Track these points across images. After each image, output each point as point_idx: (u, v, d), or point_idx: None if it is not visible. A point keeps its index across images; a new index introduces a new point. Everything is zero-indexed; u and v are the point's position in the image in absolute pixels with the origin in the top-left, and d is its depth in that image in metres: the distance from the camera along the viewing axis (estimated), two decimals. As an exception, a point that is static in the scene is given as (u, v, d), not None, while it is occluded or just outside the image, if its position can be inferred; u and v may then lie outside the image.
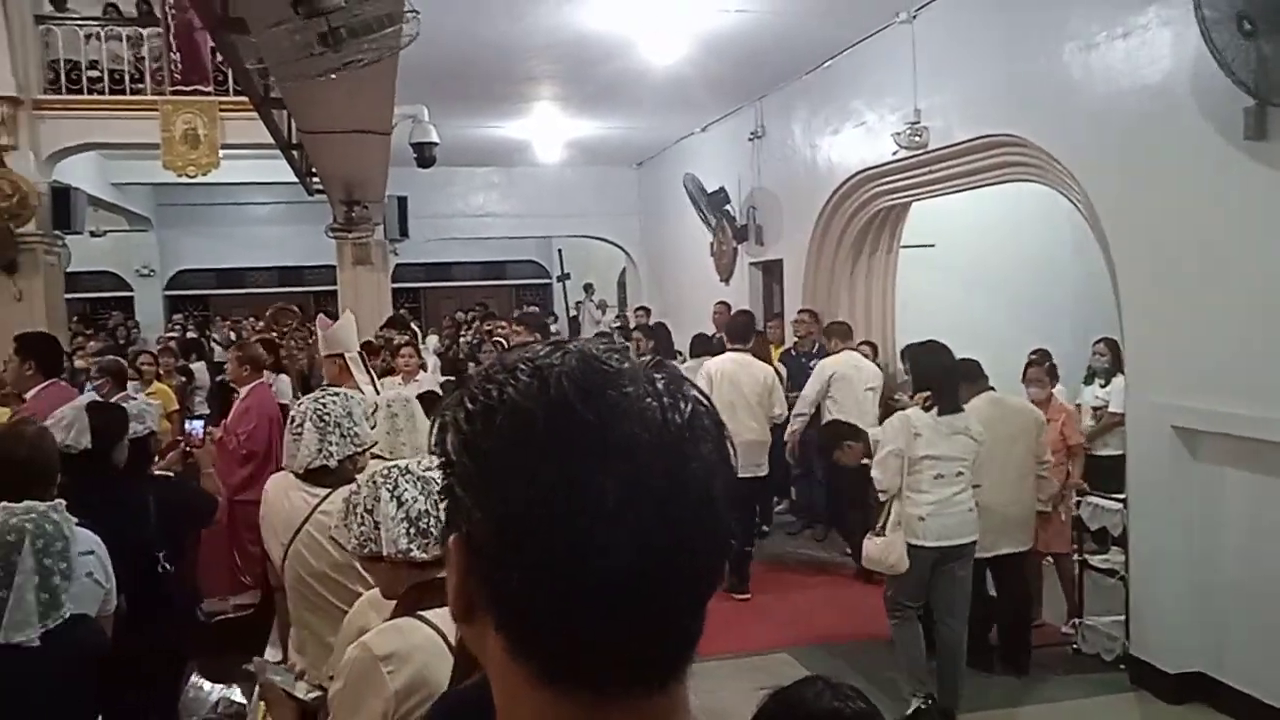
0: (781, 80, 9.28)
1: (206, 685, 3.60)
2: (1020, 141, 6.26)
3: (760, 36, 7.69)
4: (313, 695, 2.33)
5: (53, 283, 10.68)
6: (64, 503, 2.42)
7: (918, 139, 7.17)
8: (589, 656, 0.66)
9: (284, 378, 6.35)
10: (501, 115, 10.52)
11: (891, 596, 5.07)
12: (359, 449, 3.18)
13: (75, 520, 2.54)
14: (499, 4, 6.83)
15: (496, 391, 0.68)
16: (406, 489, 2.09)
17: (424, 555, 2.01)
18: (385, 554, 2.03)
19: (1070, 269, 8.87)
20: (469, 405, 0.69)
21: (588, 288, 18.53)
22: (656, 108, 10.30)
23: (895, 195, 8.21)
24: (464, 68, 8.15)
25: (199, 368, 10.61)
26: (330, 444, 3.08)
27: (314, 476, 3.08)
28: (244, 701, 2.83)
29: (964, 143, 6.83)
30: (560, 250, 18.19)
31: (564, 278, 18.18)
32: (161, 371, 8.40)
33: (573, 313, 18.07)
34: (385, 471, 2.16)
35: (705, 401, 0.70)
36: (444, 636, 1.84)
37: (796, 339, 8.80)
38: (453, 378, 7.27)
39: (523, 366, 0.69)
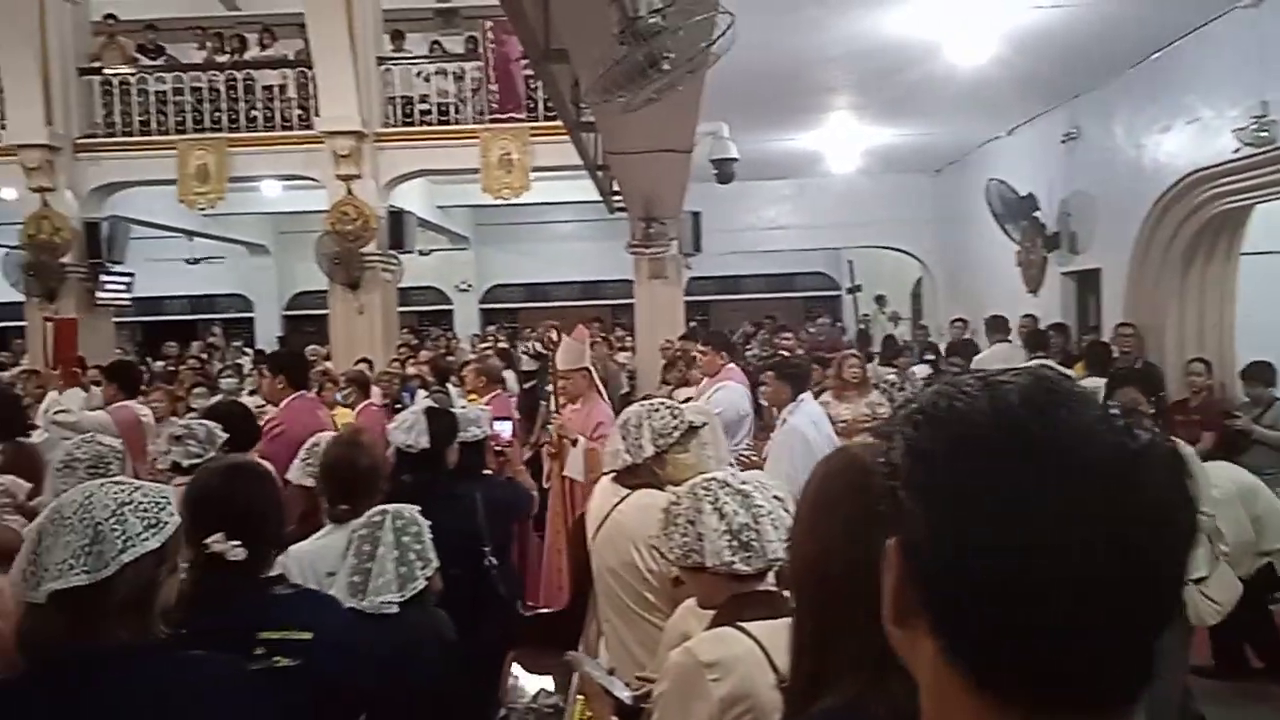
0: (1100, 77, 8.65)
1: (525, 676, 3.82)
2: (1397, 131, 5.48)
3: (1077, 32, 7.22)
4: (628, 695, 2.40)
5: (388, 297, 11.86)
6: (418, 508, 2.69)
7: (1264, 134, 6.49)
8: (1022, 670, 0.65)
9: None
10: (795, 127, 10.50)
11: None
12: (653, 452, 3.19)
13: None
14: (801, 16, 6.82)
15: (946, 404, 0.69)
16: (727, 501, 2.10)
17: (747, 568, 2.02)
18: (709, 565, 2.06)
19: None
20: (918, 415, 0.71)
21: (879, 299, 18.08)
22: (958, 112, 9.92)
23: (1236, 197, 7.42)
24: (761, 82, 8.19)
25: (509, 376, 11.33)
26: (626, 447, 3.21)
27: (621, 478, 3.23)
28: (560, 694, 2.95)
29: (1323, 136, 6.08)
30: (851, 261, 17.88)
31: (854, 289, 17.84)
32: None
33: (861, 325, 17.71)
34: (705, 484, 2.17)
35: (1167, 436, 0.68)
36: (764, 649, 1.84)
37: (1120, 354, 8.14)
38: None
39: (973, 383, 0.70)
